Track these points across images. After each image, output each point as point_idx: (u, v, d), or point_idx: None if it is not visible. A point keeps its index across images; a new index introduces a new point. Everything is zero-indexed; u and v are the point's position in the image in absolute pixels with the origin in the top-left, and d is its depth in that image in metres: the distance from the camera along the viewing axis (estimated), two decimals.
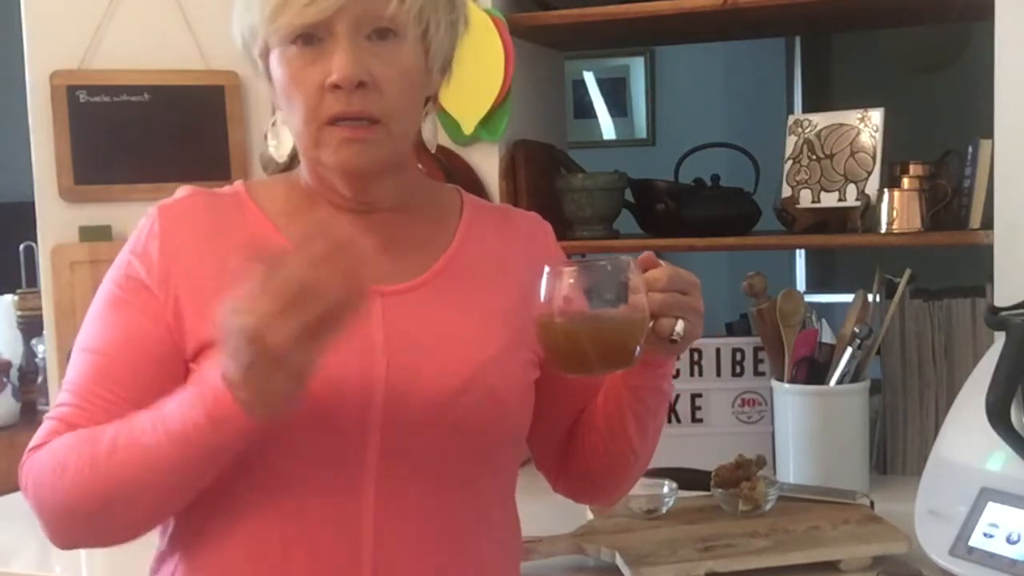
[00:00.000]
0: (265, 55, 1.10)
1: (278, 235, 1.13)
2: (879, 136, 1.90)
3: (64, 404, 1.10)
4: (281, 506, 1.07)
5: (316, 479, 1.06)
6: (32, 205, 2.08)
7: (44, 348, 2.60)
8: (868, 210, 1.86)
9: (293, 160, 1.23)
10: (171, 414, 1.00)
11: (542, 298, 1.03)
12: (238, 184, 1.19)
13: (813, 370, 1.83)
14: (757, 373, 1.95)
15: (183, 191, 1.17)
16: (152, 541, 1.15)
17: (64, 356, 2.03)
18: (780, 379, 1.84)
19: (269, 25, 1.06)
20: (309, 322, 0.92)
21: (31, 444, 1.10)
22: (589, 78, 5.00)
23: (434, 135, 1.19)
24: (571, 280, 1.03)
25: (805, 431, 1.81)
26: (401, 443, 1.08)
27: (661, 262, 1.08)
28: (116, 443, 1.02)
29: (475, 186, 1.96)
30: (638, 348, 1.04)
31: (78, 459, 1.03)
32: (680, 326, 1.05)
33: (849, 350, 1.79)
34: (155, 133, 2.08)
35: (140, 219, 1.14)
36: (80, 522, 1.07)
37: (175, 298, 1.09)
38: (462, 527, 1.12)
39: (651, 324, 1.05)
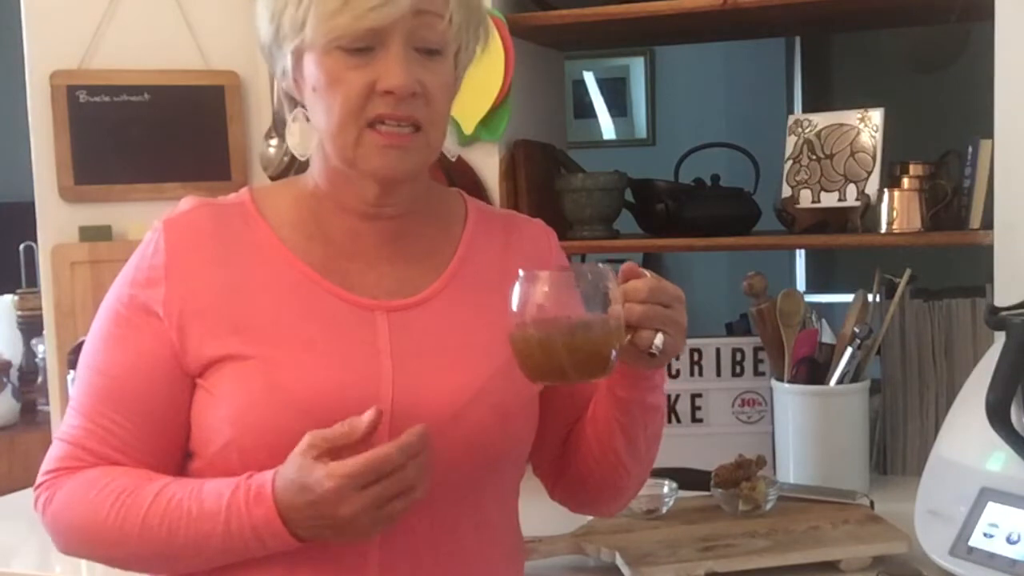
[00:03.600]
0: (299, 53, 1.08)
1: (283, 248, 1.13)
2: (879, 136, 1.90)
3: (74, 426, 1.12)
4: None
5: None
6: (32, 205, 2.08)
7: (44, 348, 2.60)
8: (868, 210, 1.86)
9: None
10: (213, 509, 1.03)
11: (515, 304, 1.01)
12: (244, 192, 1.17)
13: (813, 370, 1.83)
14: (757, 373, 1.95)
15: (188, 202, 1.15)
16: None
17: (64, 356, 2.03)
18: (780, 379, 1.84)
19: (324, 23, 1.04)
20: (382, 499, 0.99)
21: (46, 467, 1.13)
22: (589, 78, 5.00)
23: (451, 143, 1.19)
24: (545, 288, 1.01)
25: (805, 431, 1.81)
26: None
27: (645, 272, 1.06)
28: (147, 521, 1.05)
29: (475, 186, 1.96)
30: (612, 356, 1.01)
31: (104, 524, 1.06)
32: (660, 339, 1.03)
33: (849, 350, 1.79)
34: (155, 133, 2.08)
35: (140, 219, 1.15)
36: (94, 560, 1.14)
37: (179, 318, 1.09)
38: (465, 537, 1.12)
39: (630, 336, 1.02)
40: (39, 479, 1.12)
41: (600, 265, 1.03)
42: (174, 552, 1.05)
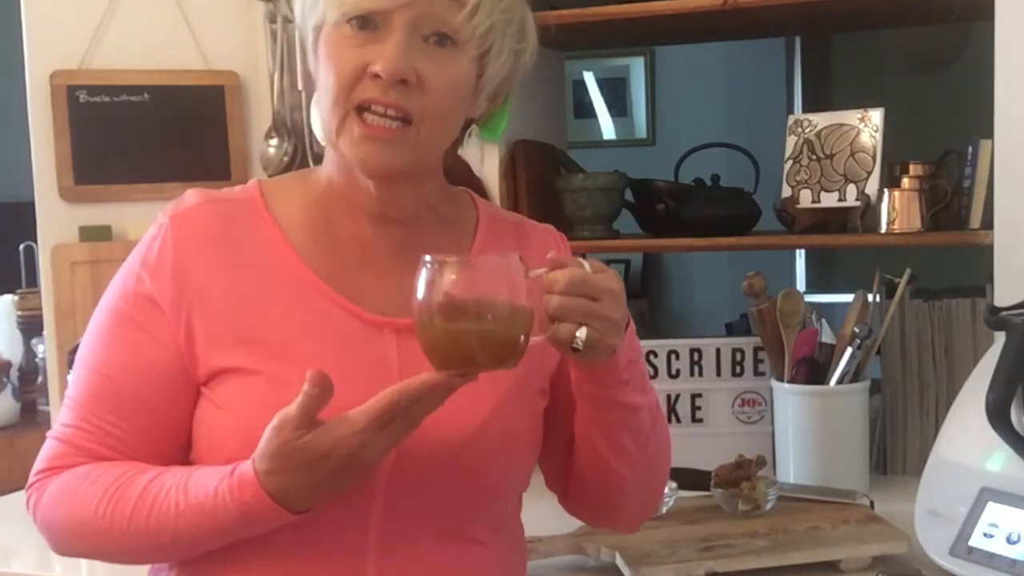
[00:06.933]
0: (317, 29, 1.06)
1: (293, 253, 1.09)
2: (879, 136, 1.90)
3: (68, 425, 1.09)
4: (284, 531, 1.03)
5: (321, 512, 1.02)
6: (32, 205, 2.08)
7: (44, 348, 2.60)
8: (868, 210, 1.86)
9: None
10: (200, 500, 1.00)
11: (421, 290, 0.95)
12: (252, 186, 1.13)
13: (813, 370, 1.83)
14: (757, 373, 1.95)
15: (193, 197, 1.11)
16: None
17: (64, 356, 2.03)
18: (780, 379, 1.84)
19: None
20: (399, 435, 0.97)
21: (38, 467, 1.10)
22: (589, 78, 5.00)
23: (480, 161, 1.17)
24: (452, 275, 0.95)
25: (805, 431, 1.81)
26: (409, 483, 1.05)
27: (580, 262, 1.00)
28: (135, 515, 1.02)
29: (475, 186, 1.96)
30: (516, 347, 0.96)
31: (94, 518, 1.04)
32: (582, 333, 0.97)
33: (849, 350, 1.79)
34: (155, 133, 2.08)
35: (140, 219, 1.14)
36: (86, 556, 1.13)
37: (187, 320, 1.06)
38: (464, 557, 1.10)
39: (553, 329, 0.98)
40: (31, 479, 1.09)
41: (512, 254, 0.98)
42: (164, 544, 1.03)
